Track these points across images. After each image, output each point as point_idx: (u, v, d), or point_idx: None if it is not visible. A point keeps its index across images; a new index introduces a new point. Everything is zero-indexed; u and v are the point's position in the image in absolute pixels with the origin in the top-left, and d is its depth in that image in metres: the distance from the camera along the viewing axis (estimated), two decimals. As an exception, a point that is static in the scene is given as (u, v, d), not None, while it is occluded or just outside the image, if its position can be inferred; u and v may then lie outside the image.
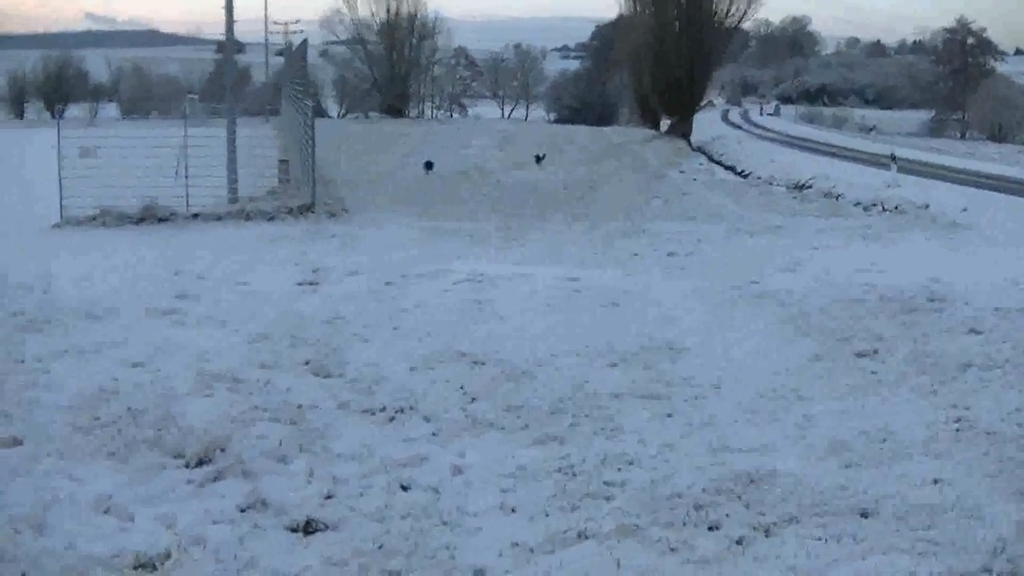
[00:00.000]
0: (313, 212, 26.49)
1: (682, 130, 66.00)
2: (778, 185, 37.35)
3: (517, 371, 11.07)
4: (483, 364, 11.41)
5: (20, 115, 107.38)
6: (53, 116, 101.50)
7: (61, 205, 24.71)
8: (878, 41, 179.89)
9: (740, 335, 12.93)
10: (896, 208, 28.39)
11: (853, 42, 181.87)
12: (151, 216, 25.26)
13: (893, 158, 36.85)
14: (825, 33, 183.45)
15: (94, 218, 24.89)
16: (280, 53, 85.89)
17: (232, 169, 29.29)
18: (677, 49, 64.74)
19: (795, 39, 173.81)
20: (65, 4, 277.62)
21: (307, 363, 11.38)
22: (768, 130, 79.14)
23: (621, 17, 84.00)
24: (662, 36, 65.88)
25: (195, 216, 25.70)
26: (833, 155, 50.59)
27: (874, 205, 29.70)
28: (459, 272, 17.50)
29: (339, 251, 20.45)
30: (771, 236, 22.99)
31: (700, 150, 58.54)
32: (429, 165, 39.94)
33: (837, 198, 32.29)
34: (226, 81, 32.20)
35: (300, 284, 16.58)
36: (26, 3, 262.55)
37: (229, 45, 32.16)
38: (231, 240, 22.11)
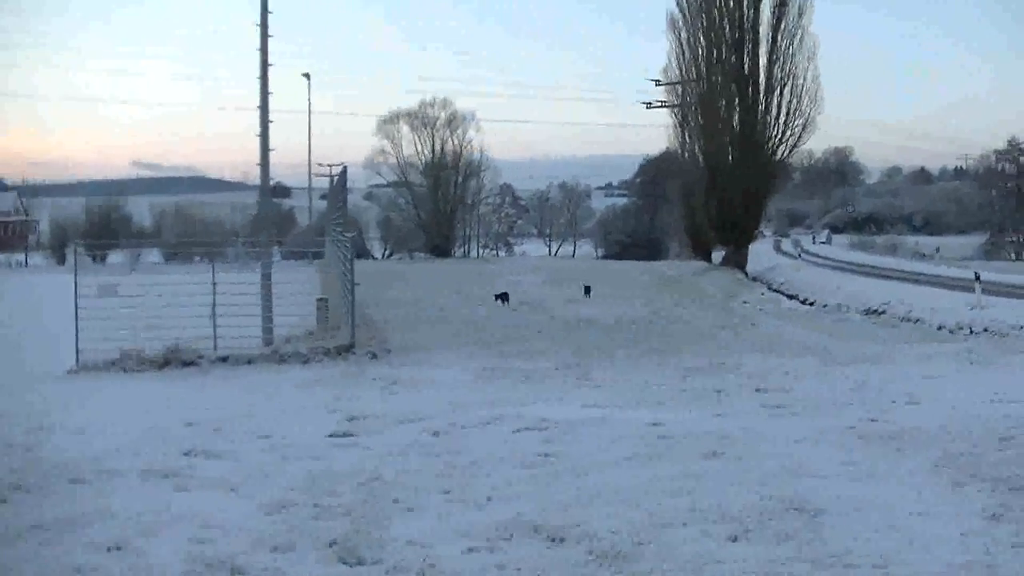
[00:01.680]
0: (353, 353, 24.22)
1: (737, 261, 63.93)
2: (851, 312, 34.88)
3: (611, 552, 8.37)
4: (563, 541, 8.75)
5: (62, 260, 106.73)
6: (95, 261, 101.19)
7: (77, 349, 22.86)
8: (922, 168, 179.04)
9: (885, 489, 10.19)
10: (986, 330, 26.04)
11: (896, 170, 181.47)
12: (176, 360, 23.25)
13: (977, 278, 34.56)
14: (868, 162, 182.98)
15: (113, 363, 23.00)
16: (324, 197, 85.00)
17: (267, 309, 27.16)
18: (731, 180, 63.00)
19: (839, 169, 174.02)
20: (113, 152, 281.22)
21: (333, 544, 8.74)
22: (824, 258, 76.80)
23: (668, 151, 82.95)
24: (715, 168, 64.30)
25: (224, 359, 23.57)
26: (898, 280, 48.03)
27: (961, 328, 27.81)
28: (521, 418, 14.88)
29: (380, 396, 18.01)
30: (868, 366, 20.43)
31: (758, 280, 56.39)
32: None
33: (916, 322, 29.97)
34: (261, 221, 30.18)
35: (333, 436, 14.05)
36: (75, 152, 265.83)
37: (264, 184, 30.20)
38: (260, 385, 19.81)
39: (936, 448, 11.85)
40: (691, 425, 13.86)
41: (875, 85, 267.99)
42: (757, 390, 17.37)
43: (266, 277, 28.31)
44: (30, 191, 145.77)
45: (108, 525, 9.35)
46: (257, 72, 27.40)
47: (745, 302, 41.29)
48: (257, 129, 27.91)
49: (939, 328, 28.81)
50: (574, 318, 32.68)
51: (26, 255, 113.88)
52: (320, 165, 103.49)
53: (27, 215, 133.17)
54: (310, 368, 22.46)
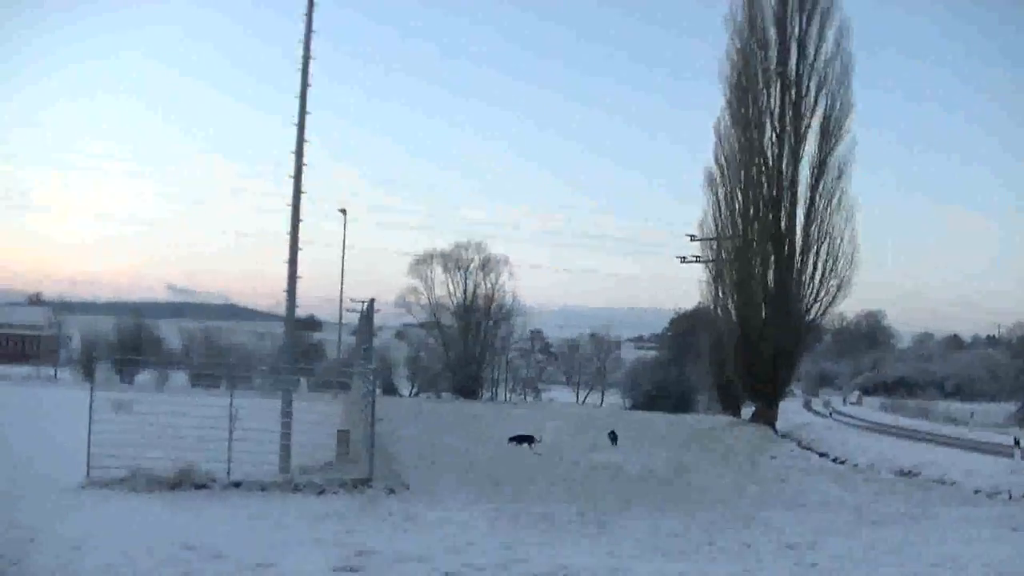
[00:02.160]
0: (370, 487, 23.52)
1: (767, 417, 62.77)
2: (883, 472, 33.87)
3: None
4: None
5: (91, 376, 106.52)
6: (122, 380, 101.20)
7: (88, 465, 22.37)
8: (955, 335, 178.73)
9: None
10: (1024, 496, 25.25)
11: (927, 336, 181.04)
12: (187, 481, 22.66)
13: (1017, 443, 33.67)
14: (899, 327, 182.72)
15: (123, 480, 22.38)
16: (355, 332, 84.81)
17: (286, 437, 26.50)
18: (763, 337, 62.26)
19: (870, 332, 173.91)
20: (148, 273, 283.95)
21: None
22: (855, 418, 75.71)
23: (700, 306, 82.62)
24: (747, 324, 63.58)
25: (236, 485, 22.87)
26: (931, 442, 46.93)
27: (998, 492, 27.28)
28: (537, 563, 14.07)
29: (392, 532, 17.23)
30: (904, 527, 19.43)
31: (787, 437, 55.33)
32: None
33: (951, 484, 29.04)
34: (285, 348, 29.70)
35: (337, 570, 13.29)
36: (111, 272, 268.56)
37: (289, 311, 29.73)
38: (270, 513, 19.08)
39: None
40: None
41: (908, 251, 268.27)
42: (788, 547, 16.44)
43: (287, 404, 27.72)
44: (65, 308, 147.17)
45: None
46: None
47: (773, 458, 40.30)
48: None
49: (975, 492, 27.79)
50: (598, 466, 31.89)
51: (55, 370, 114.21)
52: (352, 300, 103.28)
53: (60, 330, 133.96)
54: (324, 499, 21.77)
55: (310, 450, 26.39)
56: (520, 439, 38.23)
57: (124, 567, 12.38)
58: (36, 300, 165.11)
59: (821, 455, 43.40)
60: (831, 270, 62.69)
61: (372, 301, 32.92)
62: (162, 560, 13.04)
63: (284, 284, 26.83)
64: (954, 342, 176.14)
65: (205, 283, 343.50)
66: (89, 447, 22.29)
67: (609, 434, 40.50)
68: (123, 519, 17.31)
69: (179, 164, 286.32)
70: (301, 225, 27.01)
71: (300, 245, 27.40)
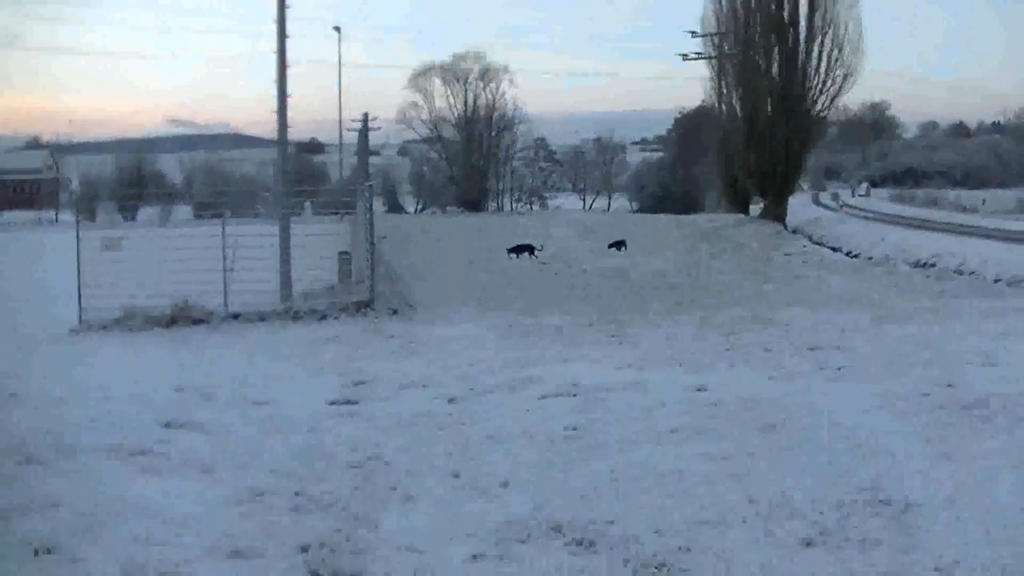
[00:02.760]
0: (372, 309, 22.72)
1: (776, 213, 61.83)
2: (899, 264, 33.00)
3: (653, 561, 6.71)
4: (593, 547, 7.08)
5: (92, 217, 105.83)
6: (125, 219, 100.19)
7: (80, 307, 21.52)
8: (960, 123, 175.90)
9: (981, 473, 8.45)
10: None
11: (932, 125, 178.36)
12: (184, 317, 21.87)
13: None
14: (904, 117, 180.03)
15: (118, 321, 21.52)
16: (357, 153, 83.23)
17: (285, 263, 25.58)
18: (771, 132, 60.91)
19: (875, 124, 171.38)
20: (147, 109, 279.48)
21: (306, 549, 7.09)
22: (865, 210, 74.48)
23: (703, 105, 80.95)
24: (754, 119, 62.15)
25: (235, 317, 22.07)
26: (946, 232, 45.84)
27: (1018, 281, 26.34)
28: (547, 381, 13.20)
29: (395, 356, 16.44)
30: (927, 323, 18.44)
31: (798, 232, 54.46)
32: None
33: (970, 275, 28.17)
34: (276, 173, 28.61)
35: (334, 403, 12.48)
36: (109, 110, 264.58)
37: (281, 129, 28.43)
38: (268, 344, 18.32)
39: (1030, 418, 10.12)
40: (740, 390, 12.16)
41: (911, 39, 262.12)
42: (810, 349, 15.54)
43: (284, 229, 26.74)
44: (64, 148, 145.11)
45: (47, 518, 7.72)
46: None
47: (787, 254, 39.49)
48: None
49: (995, 281, 26.96)
50: (608, 271, 31.08)
51: (56, 212, 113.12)
52: (352, 120, 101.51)
53: (59, 172, 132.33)
54: (326, 325, 21.00)
55: (314, 276, 25.47)
56: (519, 249, 37.20)
57: (108, 418, 11.50)
58: (35, 143, 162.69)
59: (834, 249, 42.59)
60: (837, 60, 61.04)
61: (367, 115, 31.72)
62: (150, 406, 12.19)
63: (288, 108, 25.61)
64: (960, 129, 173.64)
65: (207, 114, 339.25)
66: (79, 289, 21.51)
67: (613, 244, 39.45)
68: (113, 363, 16.52)
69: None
70: (293, 45, 25.67)
71: (291, 64, 26.05)
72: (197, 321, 21.66)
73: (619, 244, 39.39)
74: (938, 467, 8.63)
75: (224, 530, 7.49)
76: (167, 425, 11.13)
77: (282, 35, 26.29)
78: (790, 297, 24.02)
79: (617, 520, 7.50)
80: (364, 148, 31.55)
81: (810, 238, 49.70)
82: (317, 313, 22.33)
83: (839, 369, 13.67)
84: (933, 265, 31.72)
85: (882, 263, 33.39)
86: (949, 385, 12.00)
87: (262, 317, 22.01)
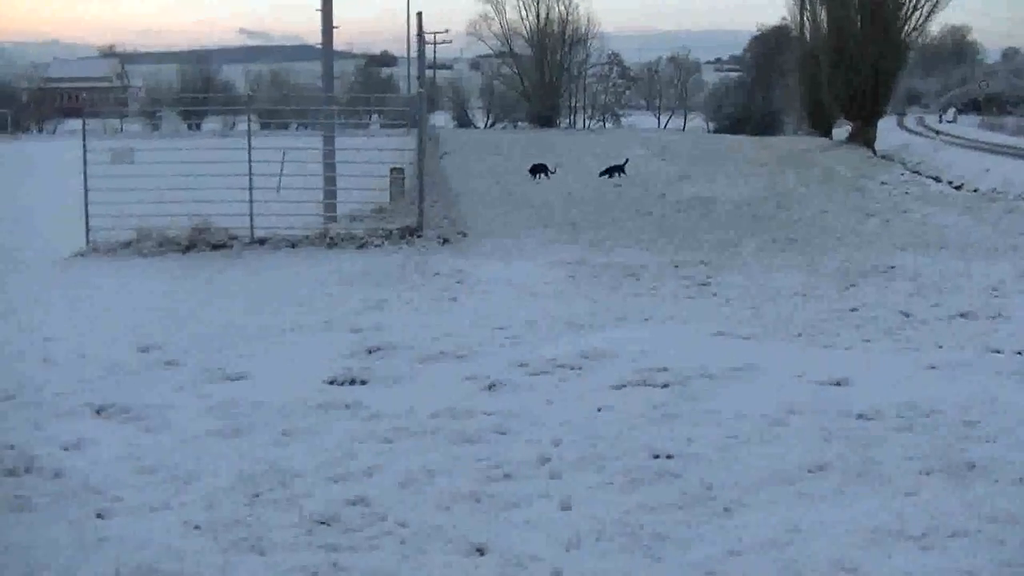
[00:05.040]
0: (420, 236, 19.62)
1: (866, 138, 57.95)
2: (1011, 198, 29.26)
3: None
4: None
5: (157, 127, 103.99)
6: (189, 128, 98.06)
7: (88, 227, 18.82)
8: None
9: None
10: None
11: (1013, 51, 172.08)
12: (202, 242, 18.97)
13: None
14: (986, 43, 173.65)
15: (129, 244, 18.81)
16: (430, 66, 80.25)
17: (330, 182, 22.65)
18: (861, 52, 56.78)
19: (956, 49, 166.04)
20: (219, 19, 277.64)
21: None
22: (958, 137, 70.04)
23: (782, 25, 76.97)
24: (842, 38, 57.97)
25: (261, 243, 19.13)
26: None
27: None
28: (624, 355, 9.94)
29: (433, 304, 13.33)
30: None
31: (887, 159, 50.51)
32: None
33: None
34: (324, 83, 25.46)
35: (332, 383, 9.28)
36: (179, 20, 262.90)
37: (326, 32, 25.28)
38: (286, 280, 15.40)
39: None
40: (895, 387, 8.75)
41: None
42: (961, 316, 12.22)
43: (329, 142, 23.74)
44: (136, 58, 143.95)
45: None
46: None
47: (883, 183, 35.75)
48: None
49: None
50: (689, 199, 27.69)
51: (121, 122, 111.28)
52: (426, 33, 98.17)
53: (127, 82, 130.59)
54: (364, 255, 18.05)
55: (368, 195, 22.49)
56: (536, 169, 33.70)
57: (23, 393, 8.57)
58: (109, 52, 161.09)
59: (935, 179, 38.73)
60: (931, -24, 56.83)
61: (420, 14, 28.39)
62: (89, 375, 9.26)
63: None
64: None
65: (280, 26, 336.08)
66: (87, 208, 18.84)
67: (608, 170, 34.86)
68: (90, 303, 13.66)
69: None
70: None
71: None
72: (217, 246, 18.82)
73: (615, 169, 34.65)
74: None
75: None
76: (98, 411, 8.17)
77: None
78: (901, 237, 20.55)
79: None
80: (421, 52, 28.29)
81: (904, 165, 45.73)
82: (356, 240, 19.32)
83: (1020, 354, 10.23)
84: (1059, 202, 28.02)
85: (996, 198, 29.59)
86: None
87: (292, 244, 19.11)
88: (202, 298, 13.82)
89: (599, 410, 8.29)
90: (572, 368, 9.65)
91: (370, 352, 10.31)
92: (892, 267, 16.13)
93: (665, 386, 8.97)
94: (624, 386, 9.00)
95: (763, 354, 10.04)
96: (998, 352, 10.31)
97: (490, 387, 9.02)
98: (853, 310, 12.70)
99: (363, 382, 9.24)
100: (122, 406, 8.25)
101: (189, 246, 18.73)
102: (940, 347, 10.60)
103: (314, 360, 9.97)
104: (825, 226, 22.42)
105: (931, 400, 8.28)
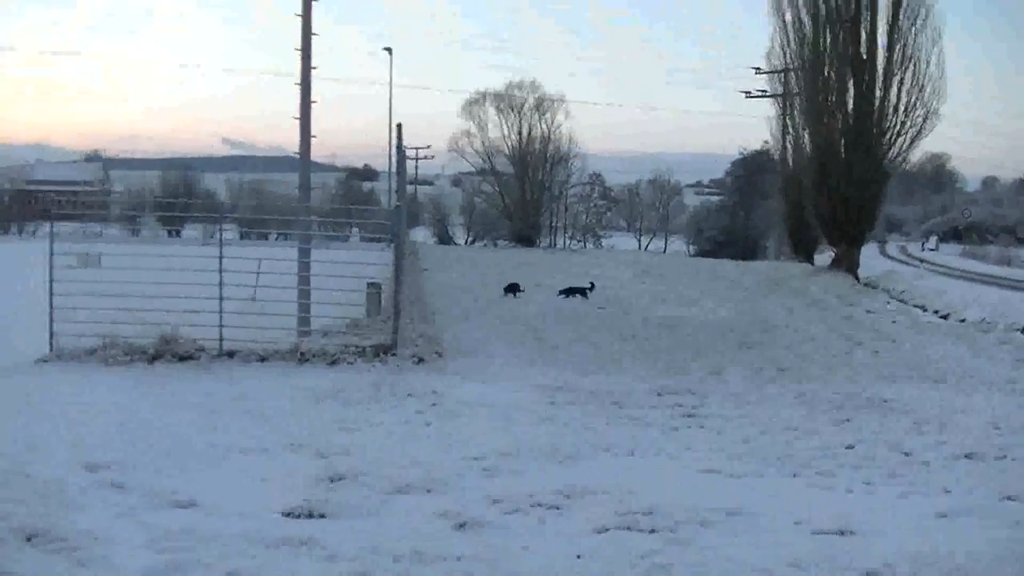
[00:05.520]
0: (394, 355, 18.90)
1: (849, 264, 57.38)
2: (1002, 330, 28.73)
3: None
4: None
5: (137, 232, 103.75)
6: (169, 235, 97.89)
7: (51, 332, 18.20)
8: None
9: None
10: None
11: (992, 180, 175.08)
12: (169, 353, 18.14)
13: None
14: (965, 171, 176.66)
15: (94, 352, 18.06)
16: (412, 182, 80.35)
17: (304, 295, 22.07)
18: (845, 174, 56.60)
19: (935, 177, 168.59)
20: (202, 128, 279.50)
21: None
22: (941, 266, 70.15)
23: (764, 148, 77.48)
24: (826, 160, 57.85)
25: (230, 355, 18.44)
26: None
27: None
28: (608, 493, 9.16)
29: (403, 428, 12.55)
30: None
31: (871, 286, 50.23)
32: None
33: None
34: (301, 193, 24.84)
35: (290, 516, 8.45)
36: (163, 128, 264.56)
37: (304, 140, 24.78)
38: (253, 396, 14.59)
39: None
40: (905, 537, 7.93)
41: (971, 90, 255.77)
42: (967, 457, 11.47)
43: (304, 254, 23.16)
44: (119, 163, 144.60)
45: None
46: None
47: (869, 311, 35.25)
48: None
49: None
50: (671, 320, 27.09)
51: (101, 227, 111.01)
52: (408, 148, 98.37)
53: (110, 186, 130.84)
54: (335, 372, 17.35)
55: (344, 310, 21.85)
56: (571, 291, 33.03)
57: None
58: (92, 156, 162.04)
59: (920, 308, 38.29)
60: (917, 99, 56.51)
61: (399, 125, 27.96)
62: (23, 496, 8.44)
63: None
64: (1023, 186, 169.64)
65: (263, 136, 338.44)
66: (51, 312, 18.17)
67: (567, 291, 33.39)
68: (45, 412, 12.83)
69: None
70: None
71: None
72: (184, 357, 18.08)
73: (576, 291, 33.37)
74: None
75: None
76: (28, 539, 7.33)
77: (307, 29, 23.03)
78: (893, 367, 19.97)
79: None
80: (401, 165, 27.81)
81: (889, 293, 45.33)
82: (327, 356, 18.61)
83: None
84: (1051, 333, 27.53)
85: (987, 329, 29.10)
86: None
87: (262, 357, 18.42)
88: (162, 412, 13.03)
89: (578, 558, 7.47)
90: (550, 507, 8.86)
91: (333, 480, 9.49)
92: (886, 400, 15.47)
93: (652, 531, 8.16)
94: (607, 530, 8.19)
95: (758, 496, 9.29)
96: (1011, 499, 9.52)
97: (461, 526, 8.19)
98: (850, 447, 11.97)
99: (322, 515, 8.41)
100: (57, 534, 7.43)
101: (156, 356, 18.03)
102: (948, 491, 9.83)
103: (273, 487, 9.17)
104: (813, 354, 21.82)
105: (947, 554, 7.46)
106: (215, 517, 8.14)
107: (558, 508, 8.82)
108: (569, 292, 33.03)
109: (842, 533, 8.13)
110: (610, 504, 8.82)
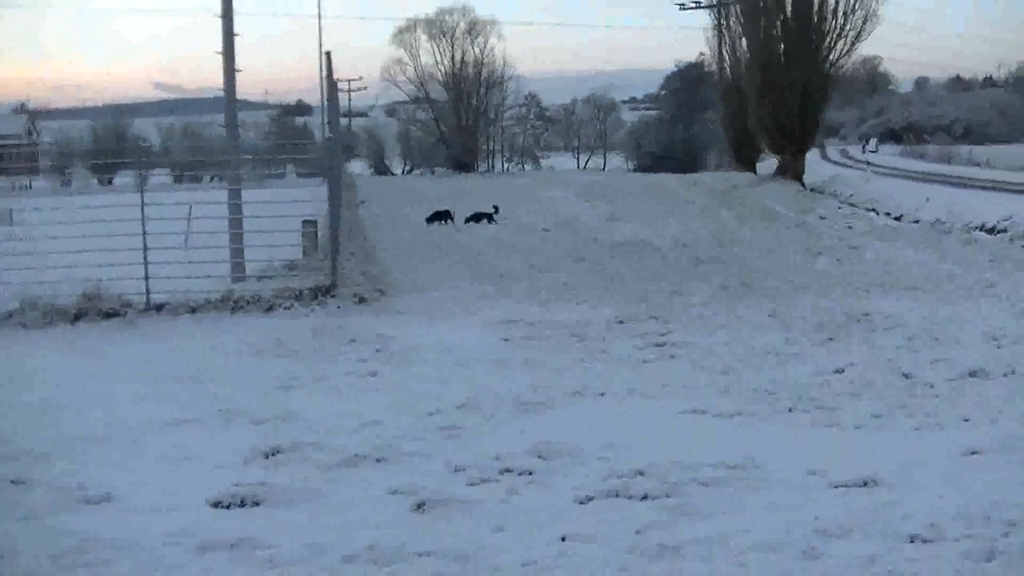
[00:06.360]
0: (334, 296, 17.62)
1: (794, 171, 56.66)
2: (959, 230, 27.83)
3: None
4: None
5: (68, 183, 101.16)
6: (100, 184, 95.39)
7: (-32, 298, 16.56)
8: (957, 77, 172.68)
9: None
10: None
11: (924, 80, 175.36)
12: (93, 310, 16.77)
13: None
14: (896, 72, 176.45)
15: (11, 315, 16.64)
16: (345, 115, 78.41)
17: (236, 239, 20.68)
18: (788, 81, 55.59)
19: (869, 79, 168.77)
20: (133, 74, 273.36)
21: None
22: (884, 167, 69.37)
23: (700, 60, 76.43)
24: (768, 69, 56.75)
25: (158, 308, 17.09)
26: (991, 190, 40.04)
27: None
28: (587, 451, 7.97)
29: (347, 382, 11.31)
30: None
31: (818, 191, 49.50)
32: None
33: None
34: (228, 132, 23.39)
35: (218, 506, 7.16)
36: (94, 74, 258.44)
37: (228, 76, 23.30)
38: (182, 354, 13.32)
39: None
40: (944, 493, 6.67)
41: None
42: (971, 375, 10.42)
43: (234, 195, 21.80)
44: (47, 114, 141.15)
45: None
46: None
47: (822, 217, 34.43)
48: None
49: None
50: (622, 241, 25.93)
51: (30, 180, 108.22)
52: (339, 81, 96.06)
53: (38, 139, 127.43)
54: (271, 320, 16.10)
55: (280, 251, 20.42)
56: (437, 216, 32.26)
57: None
58: (21, 109, 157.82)
59: (871, 211, 37.45)
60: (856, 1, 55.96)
61: (328, 53, 26.53)
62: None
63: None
64: (956, 84, 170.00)
65: (195, 78, 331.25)
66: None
67: (434, 216, 33.06)
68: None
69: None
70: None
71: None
72: (109, 314, 16.71)
73: (443, 216, 32.95)
74: None
75: None
76: None
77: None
78: (862, 277, 18.98)
79: None
80: (333, 96, 26.41)
81: (838, 198, 44.52)
82: (262, 303, 17.32)
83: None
84: (1004, 231, 26.65)
85: (945, 229, 28.20)
86: None
87: (193, 308, 17.10)
88: (82, 383, 11.64)
89: (563, 539, 6.24)
90: (523, 473, 7.65)
91: (269, 456, 8.21)
92: (866, 314, 14.43)
93: (645, 498, 6.93)
94: (592, 499, 6.97)
95: (759, 441, 8.14)
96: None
97: (420, 506, 6.93)
98: (839, 371, 10.92)
99: (256, 503, 7.13)
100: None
101: (78, 315, 16.64)
102: (966, 420, 8.77)
103: (200, 468, 7.90)
104: (775, 267, 20.83)
105: (997, 504, 6.28)
106: (131, 516, 6.84)
107: (531, 474, 7.62)
108: (476, 218, 32.00)
109: (865, 484, 6.99)
110: (591, 464, 7.67)
